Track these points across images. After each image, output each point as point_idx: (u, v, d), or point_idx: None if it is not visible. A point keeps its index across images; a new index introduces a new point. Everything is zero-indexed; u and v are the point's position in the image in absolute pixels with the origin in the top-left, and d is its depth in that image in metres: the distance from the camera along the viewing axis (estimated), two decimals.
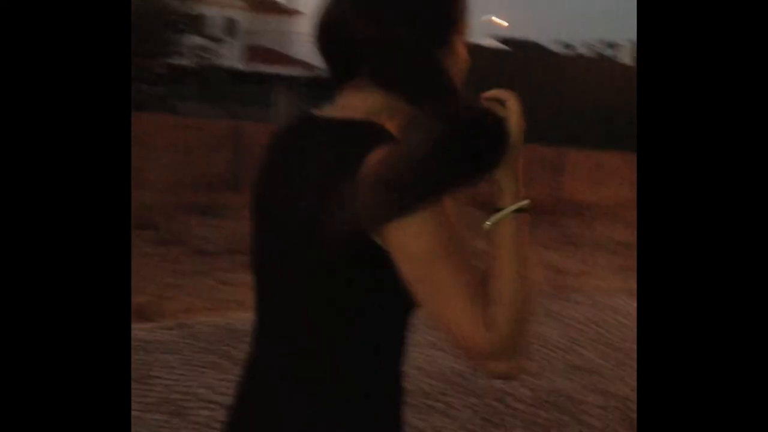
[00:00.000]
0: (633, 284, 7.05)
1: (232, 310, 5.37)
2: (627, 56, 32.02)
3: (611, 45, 36.23)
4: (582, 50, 34.61)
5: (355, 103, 1.09)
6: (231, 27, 30.69)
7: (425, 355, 4.32)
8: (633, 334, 5.55)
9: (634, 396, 4.14)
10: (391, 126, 1.06)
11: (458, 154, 0.98)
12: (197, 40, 19.96)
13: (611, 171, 12.54)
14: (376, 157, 0.99)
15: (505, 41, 29.66)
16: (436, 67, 1.06)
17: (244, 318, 5.29)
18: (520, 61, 15.88)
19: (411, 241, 0.98)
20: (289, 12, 35.48)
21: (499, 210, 1.04)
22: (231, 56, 28.01)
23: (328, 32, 1.11)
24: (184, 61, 23.94)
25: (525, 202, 1.04)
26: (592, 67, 16.63)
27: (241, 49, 31.08)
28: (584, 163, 12.00)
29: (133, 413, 3.30)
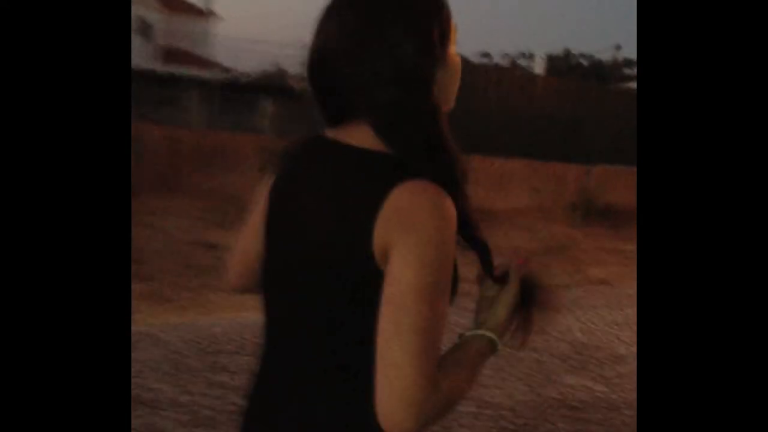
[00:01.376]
0: None
1: None
2: (539, 67, 32.86)
3: (528, 55, 37.13)
4: (498, 60, 35.31)
5: (366, 132, 1.07)
6: (145, 28, 29.98)
7: None
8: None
9: (508, 404, 4.18)
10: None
11: None
12: None
13: (513, 178, 12.78)
14: (400, 191, 1.00)
15: None
16: (429, 125, 1.05)
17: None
18: None
19: (412, 272, 0.98)
20: (206, 14, 34.96)
21: (479, 323, 1.15)
22: (143, 57, 27.37)
23: (320, 73, 1.09)
24: None
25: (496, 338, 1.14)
26: (504, 76, 17.00)
27: (154, 50, 30.39)
28: (488, 170, 12.18)
29: None
